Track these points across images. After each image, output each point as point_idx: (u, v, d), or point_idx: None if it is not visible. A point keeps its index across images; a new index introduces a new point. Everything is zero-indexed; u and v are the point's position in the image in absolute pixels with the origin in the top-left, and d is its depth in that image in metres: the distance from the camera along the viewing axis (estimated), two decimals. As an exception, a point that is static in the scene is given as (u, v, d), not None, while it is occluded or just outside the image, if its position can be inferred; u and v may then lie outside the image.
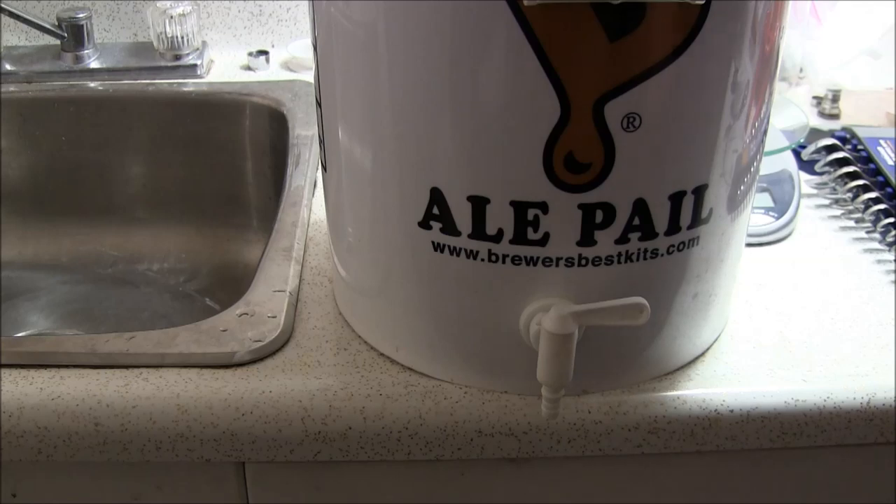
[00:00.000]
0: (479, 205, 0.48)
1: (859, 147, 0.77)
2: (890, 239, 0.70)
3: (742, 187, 0.52)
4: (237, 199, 0.94)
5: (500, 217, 0.48)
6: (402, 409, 0.55)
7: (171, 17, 0.93)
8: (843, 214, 0.74)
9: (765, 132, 0.53)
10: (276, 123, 0.89)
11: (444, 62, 0.45)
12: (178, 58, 0.95)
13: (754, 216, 0.70)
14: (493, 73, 0.45)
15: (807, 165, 0.79)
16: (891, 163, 0.74)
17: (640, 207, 0.48)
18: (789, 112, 0.82)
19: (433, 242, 0.51)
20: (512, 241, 0.49)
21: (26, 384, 0.56)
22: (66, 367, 0.57)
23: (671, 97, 0.45)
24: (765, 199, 0.73)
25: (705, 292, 0.55)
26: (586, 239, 0.48)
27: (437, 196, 0.49)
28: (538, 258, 0.49)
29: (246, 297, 0.62)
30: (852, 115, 0.86)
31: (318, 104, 0.55)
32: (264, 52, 0.98)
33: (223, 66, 0.98)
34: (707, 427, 0.55)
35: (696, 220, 0.50)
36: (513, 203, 0.47)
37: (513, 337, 0.51)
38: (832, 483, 0.61)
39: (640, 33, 0.43)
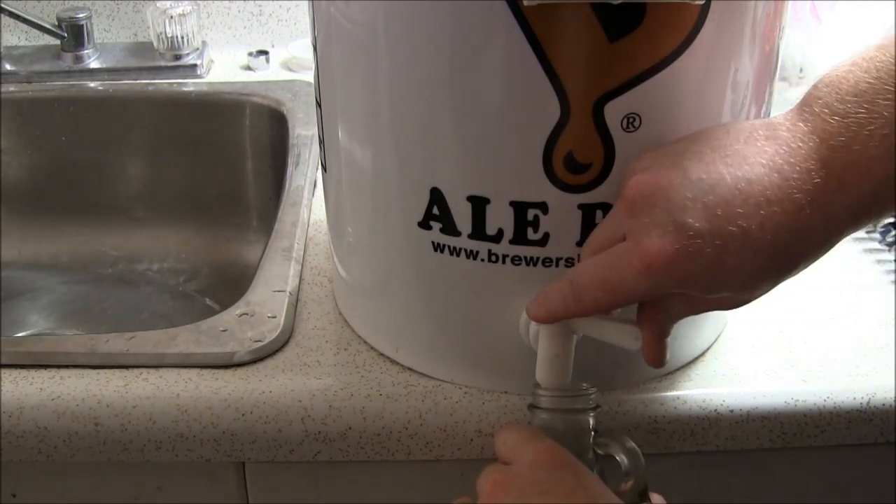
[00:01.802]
0: (479, 205, 0.48)
1: (859, 147, 0.77)
2: (890, 239, 0.70)
3: (742, 187, 0.52)
4: (237, 199, 0.94)
5: (500, 217, 0.48)
6: (402, 409, 0.55)
7: (171, 17, 0.93)
8: (843, 214, 0.74)
9: (765, 132, 0.53)
10: (276, 123, 0.89)
11: (443, 62, 0.45)
12: (178, 58, 0.95)
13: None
14: (493, 73, 0.45)
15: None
16: (891, 163, 0.74)
17: (640, 207, 0.48)
18: (789, 112, 0.82)
19: (433, 242, 0.51)
20: (512, 242, 0.49)
21: (26, 384, 0.56)
22: (66, 367, 0.57)
23: (671, 97, 0.45)
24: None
25: (705, 292, 0.55)
26: (586, 239, 0.48)
27: (437, 196, 0.49)
28: (538, 258, 0.49)
29: (246, 297, 0.62)
30: (852, 115, 0.86)
31: (318, 104, 0.55)
32: (264, 52, 0.98)
33: (223, 66, 0.98)
34: (707, 427, 0.55)
35: (696, 220, 0.50)
36: (513, 203, 0.47)
37: (513, 337, 0.51)
38: (832, 483, 0.61)
39: (640, 33, 0.43)
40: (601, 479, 0.46)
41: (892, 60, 0.39)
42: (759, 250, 0.39)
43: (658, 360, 0.46)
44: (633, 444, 0.47)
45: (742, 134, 0.41)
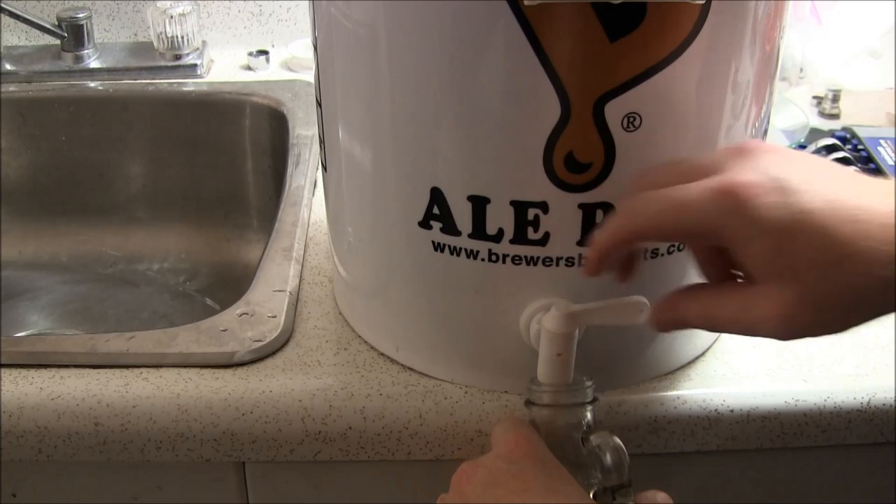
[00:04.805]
0: (479, 205, 0.48)
1: (859, 147, 0.77)
2: (890, 239, 0.70)
3: (742, 187, 0.52)
4: (237, 199, 0.94)
5: (500, 217, 0.48)
6: (402, 409, 0.55)
7: (171, 17, 0.93)
8: (843, 214, 0.74)
9: (765, 132, 0.53)
10: (276, 123, 0.89)
11: (444, 62, 0.45)
12: (178, 58, 0.95)
13: (754, 216, 0.70)
14: (494, 72, 0.45)
15: (807, 165, 0.78)
16: (891, 163, 0.74)
17: (641, 207, 0.48)
18: (789, 112, 0.82)
19: (433, 242, 0.51)
20: (512, 241, 0.49)
21: (26, 384, 0.56)
22: (66, 367, 0.57)
23: (671, 97, 0.45)
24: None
25: (705, 292, 0.55)
26: (586, 239, 0.48)
27: (437, 196, 0.49)
28: (538, 258, 0.49)
29: (246, 297, 0.62)
30: (852, 115, 0.86)
31: (318, 104, 0.55)
32: (264, 52, 0.98)
33: (223, 65, 0.98)
34: (707, 427, 0.55)
35: (697, 220, 0.50)
36: (513, 203, 0.47)
37: (513, 337, 0.51)
38: (832, 483, 0.61)
39: (640, 33, 0.43)
40: (593, 475, 0.46)
41: None
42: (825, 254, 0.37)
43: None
44: (619, 442, 0.47)
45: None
